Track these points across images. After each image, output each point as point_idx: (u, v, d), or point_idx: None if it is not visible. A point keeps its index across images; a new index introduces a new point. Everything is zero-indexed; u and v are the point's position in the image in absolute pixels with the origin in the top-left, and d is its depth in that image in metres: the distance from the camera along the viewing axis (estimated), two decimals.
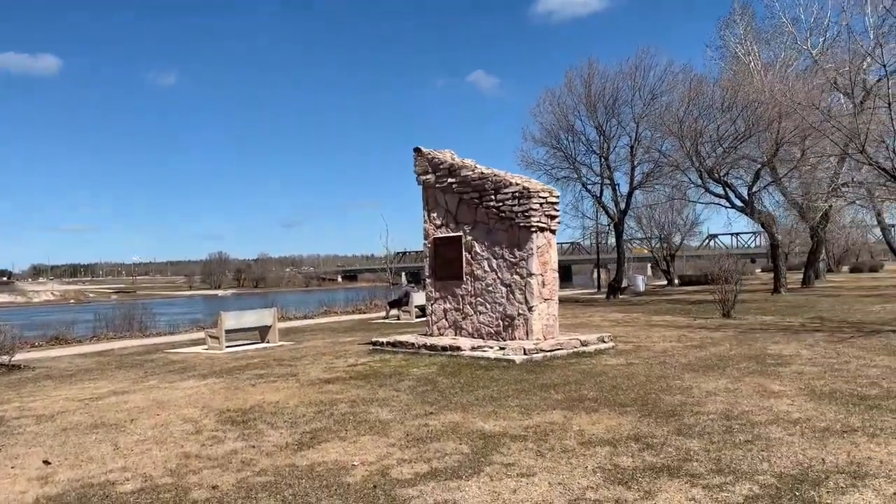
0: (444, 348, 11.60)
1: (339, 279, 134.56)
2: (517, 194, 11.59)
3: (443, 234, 12.91)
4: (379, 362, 11.38)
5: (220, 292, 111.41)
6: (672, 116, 23.95)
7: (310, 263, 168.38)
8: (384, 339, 12.97)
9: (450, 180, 12.68)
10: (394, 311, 22.74)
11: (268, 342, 16.25)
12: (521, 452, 5.88)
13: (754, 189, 23.90)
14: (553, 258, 11.94)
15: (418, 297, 22.28)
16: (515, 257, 11.71)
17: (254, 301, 54.39)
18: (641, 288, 39.37)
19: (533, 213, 11.43)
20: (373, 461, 5.84)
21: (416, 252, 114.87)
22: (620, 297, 30.32)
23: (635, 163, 29.12)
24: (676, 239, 45.90)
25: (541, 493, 4.90)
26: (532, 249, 11.51)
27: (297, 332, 19.45)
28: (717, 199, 25.17)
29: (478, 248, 12.26)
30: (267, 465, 5.88)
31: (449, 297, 12.77)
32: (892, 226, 46.53)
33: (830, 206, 29.43)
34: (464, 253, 12.46)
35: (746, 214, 25.41)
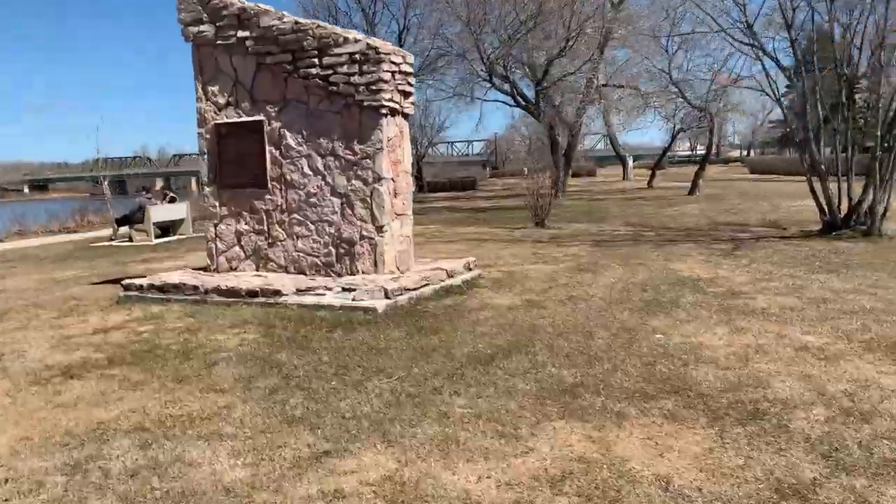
0: (251, 293, 7.56)
1: (26, 190, 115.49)
2: (358, 57, 7.66)
3: (231, 118, 8.55)
4: (148, 322, 7.04)
5: None
6: None
7: None
8: (142, 282, 8.41)
9: (241, 34, 8.26)
10: (124, 230, 17.38)
11: None
12: None
13: (542, 86, 22.02)
14: (407, 155, 8.36)
15: (156, 212, 17.25)
16: (355, 154, 7.90)
17: None
18: None
19: (383, 86, 7.64)
20: None
21: (120, 159, 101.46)
22: None
23: None
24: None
25: None
26: (381, 142, 7.79)
27: None
28: (503, 97, 22.98)
29: (292, 141, 8.19)
30: None
31: (245, 213, 8.58)
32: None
33: (585, 109, 29.27)
34: (268, 148, 8.30)
35: (532, 114, 23.62)
